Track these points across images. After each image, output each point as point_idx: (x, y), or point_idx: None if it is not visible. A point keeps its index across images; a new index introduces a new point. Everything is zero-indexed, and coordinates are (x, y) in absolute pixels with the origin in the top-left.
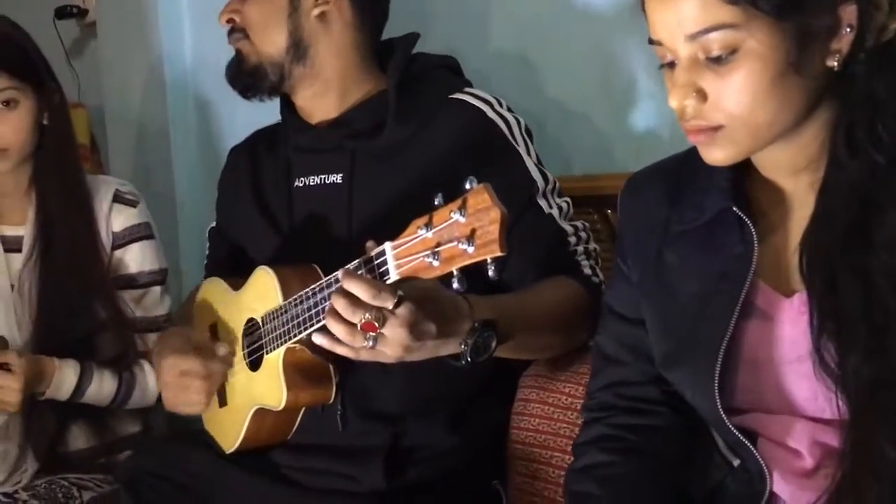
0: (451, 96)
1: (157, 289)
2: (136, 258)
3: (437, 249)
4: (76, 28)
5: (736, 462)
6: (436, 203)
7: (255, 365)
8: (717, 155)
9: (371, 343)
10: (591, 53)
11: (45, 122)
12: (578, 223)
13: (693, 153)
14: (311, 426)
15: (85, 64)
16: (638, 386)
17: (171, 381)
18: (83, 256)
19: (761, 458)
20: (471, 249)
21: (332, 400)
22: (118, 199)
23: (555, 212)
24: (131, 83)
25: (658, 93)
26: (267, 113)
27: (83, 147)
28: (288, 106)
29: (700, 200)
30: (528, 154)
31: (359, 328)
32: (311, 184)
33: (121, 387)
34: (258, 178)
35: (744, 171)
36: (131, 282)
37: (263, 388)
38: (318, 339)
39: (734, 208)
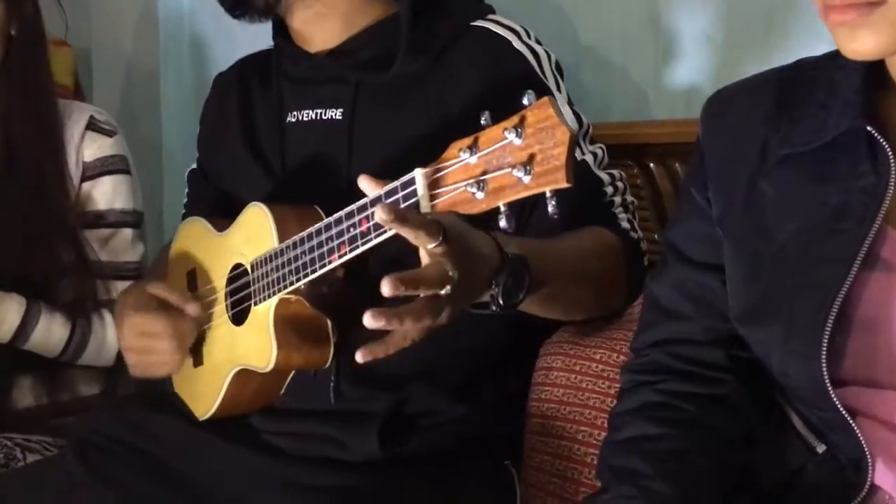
0: (472, 24)
1: (127, 231)
2: (106, 193)
3: (483, 178)
4: None
5: (820, 447)
6: (482, 123)
7: (239, 318)
8: (864, 43)
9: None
10: None
11: (13, 32)
12: (615, 172)
13: (802, 64)
14: (298, 390)
15: (73, 1)
16: (699, 346)
17: (133, 344)
18: (47, 186)
19: (865, 443)
20: (527, 179)
21: (328, 363)
22: (93, 126)
23: (588, 158)
24: (122, 21)
25: (710, 38)
26: None
27: (65, 88)
28: (281, 30)
29: (817, 118)
30: (559, 91)
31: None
32: (306, 119)
33: (73, 336)
34: (248, 110)
35: (877, 86)
36: (98, 220)
37: (249, 345)
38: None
39: (868, 128)
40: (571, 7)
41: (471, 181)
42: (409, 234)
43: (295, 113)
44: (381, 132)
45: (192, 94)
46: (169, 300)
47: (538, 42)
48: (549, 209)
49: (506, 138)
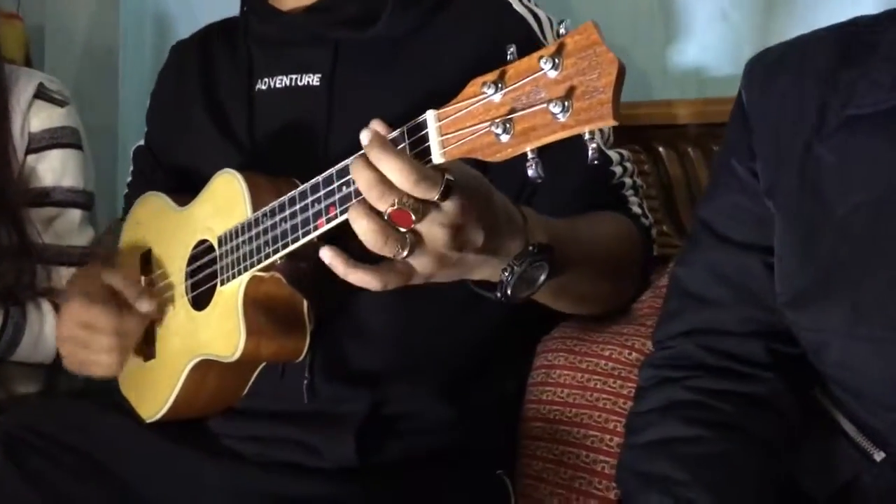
0: None
1: (75, 212)
2: (53, 168)
3: (509, 117)
4: None
5: (878, 455)
6: (509, 58)
7: (200, 302)
8: None
9: (407, 252)
10: None
11: None
12: (623, 151)
13: (860, 21)
14: (262, 390)
15: None
16: (735, 338)
17: (69, 335)
18: None
19: None
20: (564, 116)
21: (302, 355)
22: (42, 95)
23: (595, 134)
24: None
25: (726, 14)
26: None
27: (13, 63)
28: None
29: (887, 76)
30: None
31: (386, 217)
32: (278, 86)
33: (5, 329)
34: (211, 79)
35: None
36: (43, 197)
37: (212, 331)
38: (327, 255)
39: None
40: None
41: (495, 121)
42: (404, 181)
43: (266, 80)
44: (364, 99)
45: (153, 74)
46: (122, 293)
47: (537, 6)
48: (589, 154)
49: (541, 69)
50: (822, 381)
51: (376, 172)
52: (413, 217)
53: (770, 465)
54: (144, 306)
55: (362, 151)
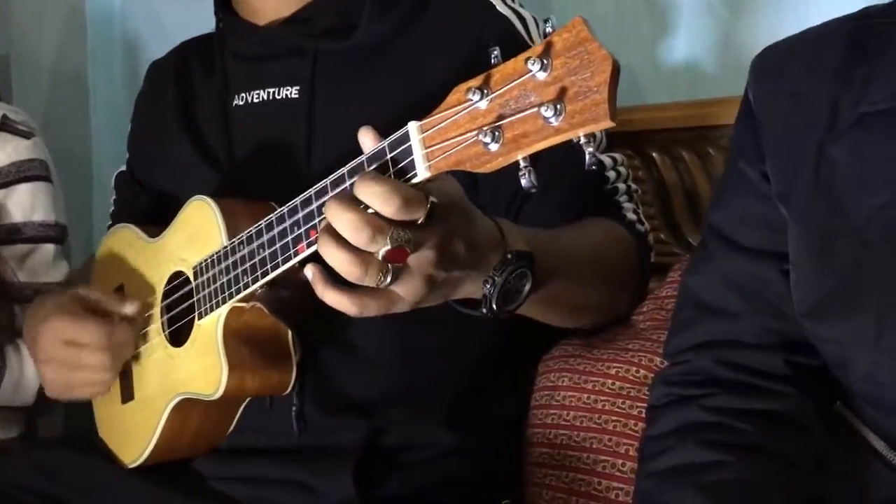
0: None
1: (49, 247)
2: (23, 203)
3: (498, 124)
4: None
5: None
6: (493, 61)
7: (178, 338)
8: None
9: (389, 280)
10: None
11: None
12: (616, 155)
13: (871, 12)
14: (250, 426)
15: None
16: (752, 351)
17: (54, 356)
18: None
19: None
20: (557, 120)
21: (289, 388)
22: (6, 126)
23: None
24: (45, 23)
25: (713, 8)
26: None
27: None
28: (225, 5)
29: None
30: None
31: (380, 257)
32: (256, 100)
33: None
34: (188, 98)
35: None
36: (14, 234)
37: (191, 368)
38: (310, 271)
39: None
40: None
41: (483, 130)
42: (388, 207)
43: (243, 95)
44: (345, 110)
45: (124, 100)
46: (100, 304)
47: (522, 6)
48: (587, 159)
49: (528, 71)
50: (847, 396)
51: (357, 213)
52: (408, 250)
53: (798, 488)
54: (129, 308)
55: (333, 192)
